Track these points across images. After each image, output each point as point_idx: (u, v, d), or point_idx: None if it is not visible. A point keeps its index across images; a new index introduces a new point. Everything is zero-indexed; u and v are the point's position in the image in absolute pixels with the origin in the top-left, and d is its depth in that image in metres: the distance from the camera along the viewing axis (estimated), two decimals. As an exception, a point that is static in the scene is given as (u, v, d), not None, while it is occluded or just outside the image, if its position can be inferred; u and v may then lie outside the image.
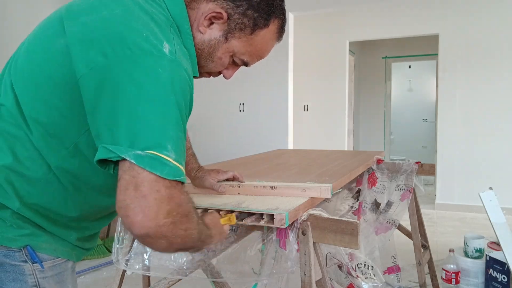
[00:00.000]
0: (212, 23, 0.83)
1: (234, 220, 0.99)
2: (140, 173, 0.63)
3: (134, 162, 0.63)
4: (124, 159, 0.64)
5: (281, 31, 0.90)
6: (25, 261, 0.79)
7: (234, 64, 0.90)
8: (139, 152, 0.64)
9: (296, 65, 4.79)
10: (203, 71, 0.89)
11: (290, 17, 4.33)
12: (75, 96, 0.71)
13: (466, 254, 2.38)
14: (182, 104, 0.70)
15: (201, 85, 4.35)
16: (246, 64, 0.91)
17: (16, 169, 0.76)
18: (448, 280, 2.30)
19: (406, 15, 5.09)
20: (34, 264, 0.79)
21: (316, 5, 4.33)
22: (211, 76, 0.94)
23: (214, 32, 0.83)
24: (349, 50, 5.71)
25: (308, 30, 5.58)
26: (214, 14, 0.82)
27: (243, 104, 4.55)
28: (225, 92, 4.57)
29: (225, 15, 0.82)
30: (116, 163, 0.67)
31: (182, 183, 0.69)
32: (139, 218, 0.63)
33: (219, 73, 0.92)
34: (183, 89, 0.70)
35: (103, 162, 0.68)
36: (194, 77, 0.87)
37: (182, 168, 0.68)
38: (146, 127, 0.65)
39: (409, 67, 8.43)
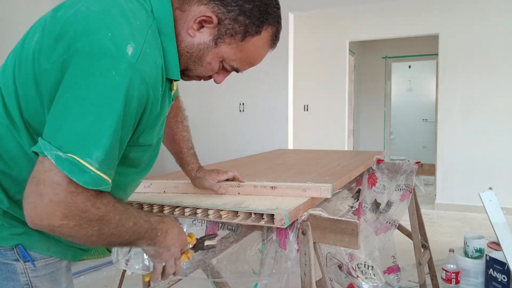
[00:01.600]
0: (202, 27, 0.81)
1: (193, 241, 1.00)
2: (47, 171, 0.63)
3: (53, 162, 0.63)
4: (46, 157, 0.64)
5: (274, 39, 0.87)
6: (17, 260, 0.79)
7: (225, 69, 0.88)
8: (60, 153, 0.63)
9: (296, 65, 4.79)
10: (192, 75, 0.88)
11: (290, 17, 4.33)
12: (44, 95, 0.71)
13: (466, 254, 2.37)
14: (128, 112, 0.68)
15: (201, 85, 4.36)
16: (236, 70, 0.88)
17: (1, 169, 0.76)
18: (448, 280, 2.30)
19: (406, 15, 5.09)
20: (26, 263, 0.80)
21: (316, 5, 4.33)
22: (202, 80, 0.92)
23: (204, 36, 0.81)
24: (349, 50, 5.71)
25: (308, 30, 5.58)
26: (204, 18, 0.79)
27: (243, 104, 4.54)
28: (225, 92, 4.57)
29: (215, 19, 0.79)
30: None
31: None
32: (32, 214, 0.64)
33: (210, 77, 0.90)
34: (134, 97, 0.69)
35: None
36: (175, 80, 0.85)
37: (105, 177, 0.67)
38: (77, 129, 0.64)
39: (409, 67, 8.43)
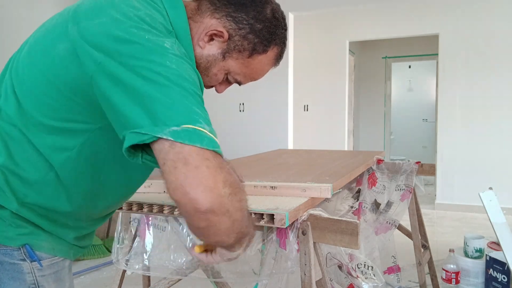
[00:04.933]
0: (212, 40, 0.83)
1: None
2: (184, 147, 0.61)
3: (172, 139, 0.61)
4: (159, 140, 0.62)
5: (279, 57, 0.91)
6: (24, 260, 0.80)
7: (228, 81, 0.92)
8: (175, 128, 0.62)
9: (296, 65, 4.79)
10: None
11: (290, 17, 4.33)
12: (76, 99, 0.72)
13: (466, 254, 2.37)
14: (195, 89, 0.70)
15: (201, 85, 4.35)
16: (239, 83, 0.92)
17: (12, 170, 0.76)
18: (448, 280, 2.30)
19: (406, 15, 5.09)
20: (33, 263, 0.80)
21: (316, 5, 4.33)
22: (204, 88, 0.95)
23: (213, 49, 0.84)
24: (349, 50, 5.71)
25: (308, 30, 5.58)
26: (215, 31, 0.82)
27: (243, 104, 4.54)
28: (225, 92, 4.55)
29: (226, 34, 0.82)
30: (145, 150, 0.66)
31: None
32: (200, 190, 0.60)
33: (211, 86, 0.93)
34: (194, 78, 0.71)
35: (132, 151, 0.66)
36: None
37: (216, 140, 0.67)
38: (175, 106, 0.64)
39: (409, 67, 8.42)
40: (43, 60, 0.75)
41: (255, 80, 0.93)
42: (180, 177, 0.61)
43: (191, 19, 0.83)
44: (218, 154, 0.66)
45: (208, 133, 0.65)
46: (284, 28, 0.89)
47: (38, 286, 0.81)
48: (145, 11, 0.74)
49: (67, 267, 0.89)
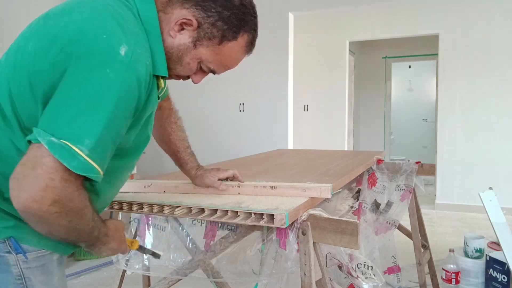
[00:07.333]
0: (182, 29, 0.86)
1: (136, 246, 1.04)
2: (45, 156, 0.66)
3: (46, 147, 0.66)
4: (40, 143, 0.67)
5: (250, 45, 0.93)
6: (9, 252, 0.81)
7: (202, 70, 0.94)
8: (53, 139, 0.67)
9: (296, 65, 4.79)
10: (172, 74, 0.93)
11: (290, 17, 4.33)
12: (39, 93, 0.75)
13: (466, 254, 2.37)
14: (122, 108, 0.73)
15: (201, 85, 4.35)
16: (213, 72, 0.94)
17: None
18: (448, 280, 2.30)
19: (406, 15, 5.09)
20: (18, 255, 0.82)
21: (316, 5, 4.33)
22: (181, 79, 0.97)
23: (184, 38, 0.87)
24: (349, 50, 5.71)
25: (308, 30, 5.58)
26: (184, 20, 0.85)
27: (243, 104, 4.54)
28: (225, 92, 4.57)
29: (195, 22, 0.85)
30: None
31: (88, 179, 0.72)
32: (24, 196, 0.66)
33: (188, 77, 0.95)
34: (127, 93, 0.73)
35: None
36: (163, 77, 0.90)
37: (95, 165, 0.70)
38: (70, 118, 0.68)
39: (409, 67, 8.42)
40: (15, 57, 0.78)
41: (229, 69, 0.95)
42: (20, 174, 0.67)
43: (162, 11, 0.86)
44: (79, 178, 0.70)
45: (84, 156, 0.68)
46: (253, 15, 0.91)
47: (24, 278, 0.82)
48: (116, 9, 0.78)
49: (56, 261, 0.89)
